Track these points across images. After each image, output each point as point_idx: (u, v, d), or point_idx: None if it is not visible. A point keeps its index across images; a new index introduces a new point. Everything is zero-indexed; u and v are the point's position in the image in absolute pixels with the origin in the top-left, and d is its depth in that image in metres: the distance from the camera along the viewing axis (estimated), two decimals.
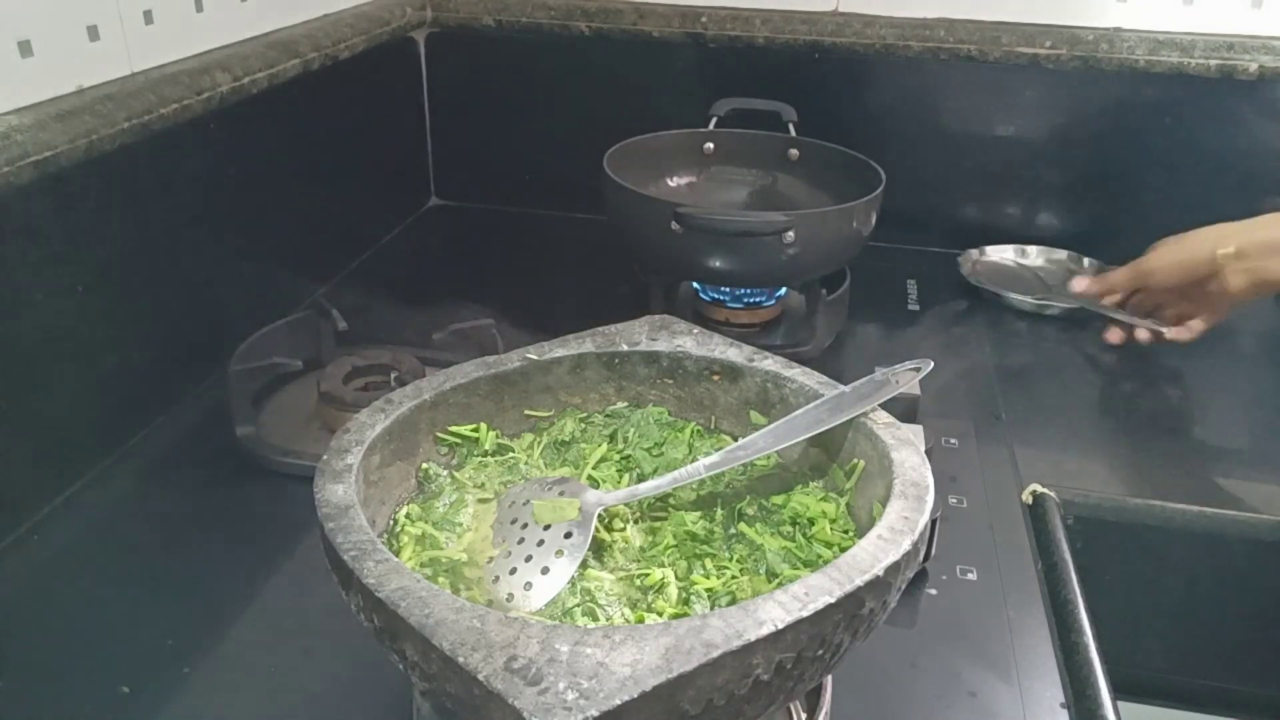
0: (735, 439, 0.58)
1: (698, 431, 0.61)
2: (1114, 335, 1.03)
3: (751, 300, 1.04)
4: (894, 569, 0.42)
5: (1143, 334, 1.01)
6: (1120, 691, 0.64)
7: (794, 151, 1.13)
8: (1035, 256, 1.23)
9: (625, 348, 0.61)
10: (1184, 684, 0.88)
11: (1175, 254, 0.94)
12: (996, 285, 1.14)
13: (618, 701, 0.34)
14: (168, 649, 0.63)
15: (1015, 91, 1.20)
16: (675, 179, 1.16)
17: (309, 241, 1.10)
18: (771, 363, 0.59)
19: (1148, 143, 1.18)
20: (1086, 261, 1.20)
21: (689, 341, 0.61)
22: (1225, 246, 0.88)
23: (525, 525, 0.50)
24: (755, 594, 0.47)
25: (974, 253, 1.21)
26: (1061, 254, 1.22)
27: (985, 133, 1.22)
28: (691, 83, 1.24)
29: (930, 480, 0.48)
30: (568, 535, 0.49)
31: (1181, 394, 0.99)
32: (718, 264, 0.95)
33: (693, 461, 0.54)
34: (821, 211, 0.98)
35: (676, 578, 0.49)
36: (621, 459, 0.58)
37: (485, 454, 0.58)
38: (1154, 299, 1.01)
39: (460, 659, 0.36)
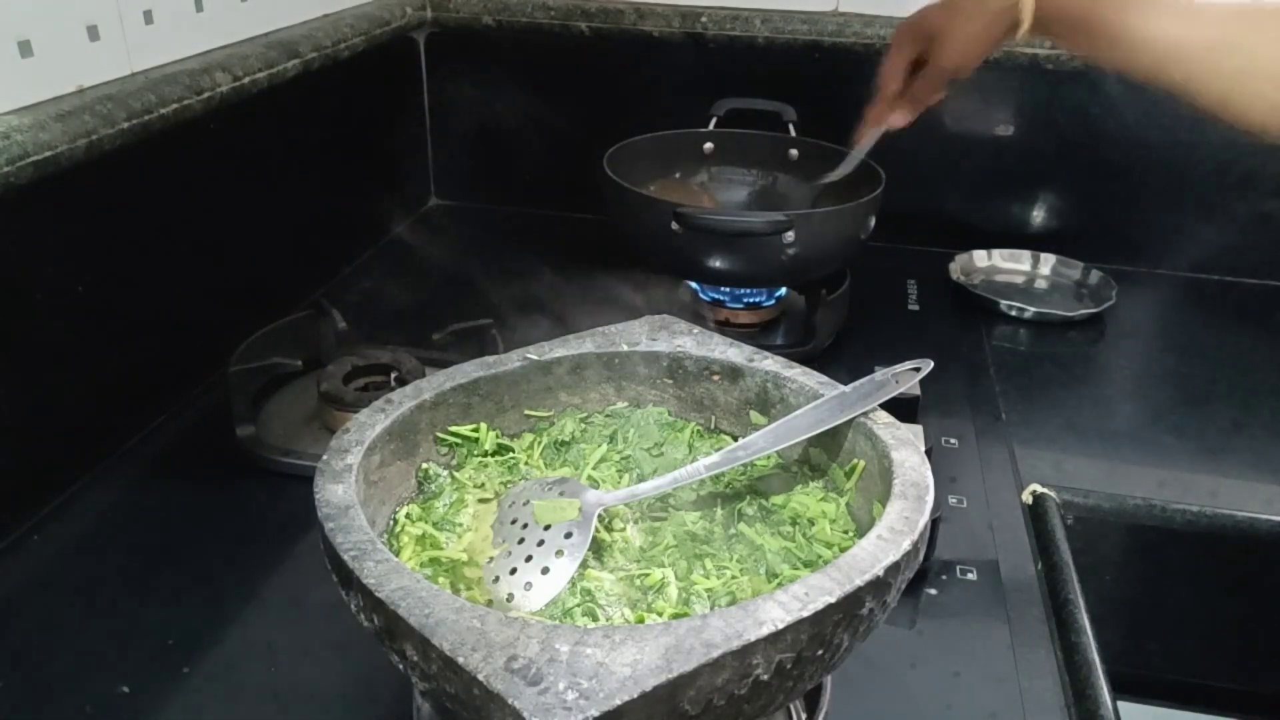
0: (735, 439, 0.58)
1: (698, 431, 0.61)
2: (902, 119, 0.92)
3: (751, 300, 1.04)
4: (894, 569, 0.42)
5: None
6: (1120, 691, 0.64)
7: (794, 151, 1.13)
8: (1021, 260, 1.23)
9: (625, 348, 0.61)
10: (1184, 684, 0.88)
11: (978, 39, 0.83)
12: (985, 290, 1.14)
13: (618, 701, 0.34)
14: (168, 649, 0.63)
15: (1016, 91, 1.20)
16: (675, 179, 1.16)
17: (309, 241, 1.10)
18: (771, 363, 0.58)
19: (1148, 143, 1.18)
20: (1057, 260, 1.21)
21: (689, 341, 0.61)
22: (1025, 17, 0.78)
23: (525, 525, 0.50)
24: (755, 594, 0.47)
25: (961, 258, 1.21)
26: (1025, 254, 1.22)
27: (986, 133, 1.22)
28: (691, 83, 1.24)
29: (930, 480, 0.48)
30: (568, 535, 0.49)
31: (1181, 394, 0.99)
32: (718, 264, 0.96)
33: (693, 461, 0.54)
34: (821, 211, 0.98)
35: (676, 578, 0.49)
36: (621, 459, 0.58)
37: (485, 454, 0.58)
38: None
39: (460, 659, 0.36)
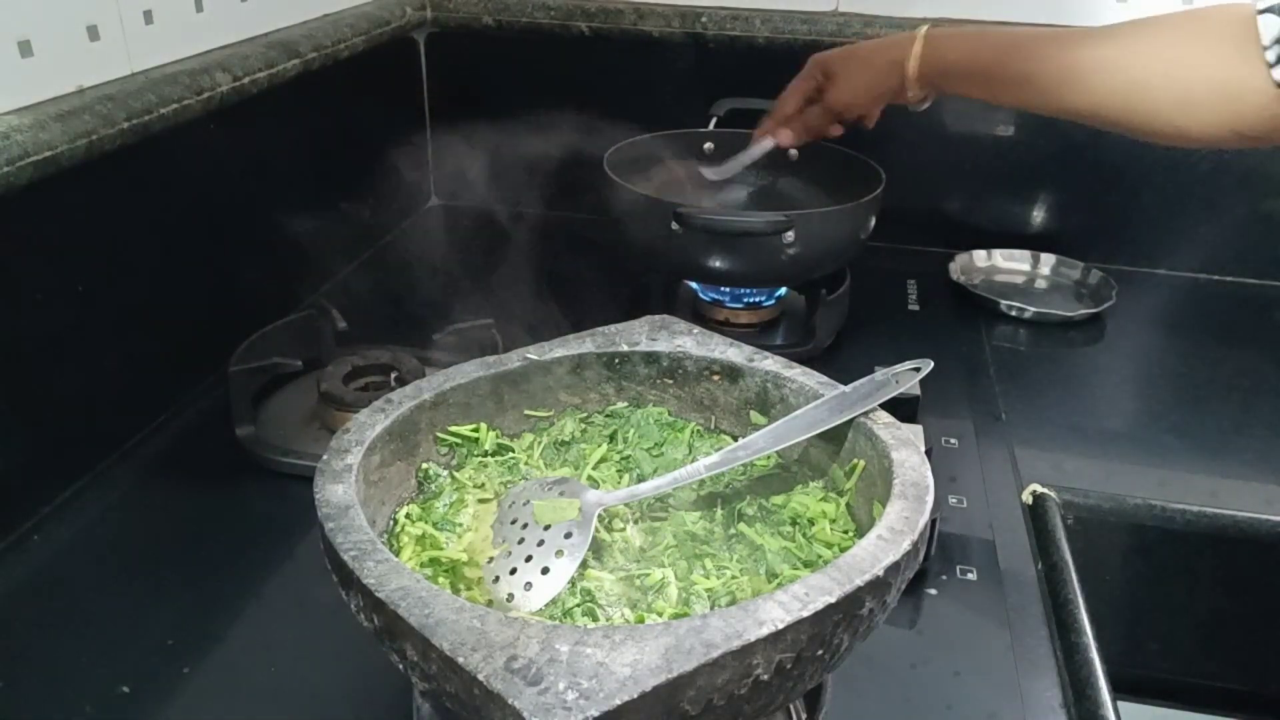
0: (735, 439, 0.58)
1: (698, 431, 0.61)
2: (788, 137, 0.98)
3: (751, 300, 1.04)
4: (894, 569, 0.42)
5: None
6: (1120, 691, 0.64)
7: (794, 151, 1.12)
8: (1021, 260, 1.23)
9: (625, 348, 0.61)
10: (1184, 684, 0.88)
11: (864, 88, 0.89)
12: (985, 290, 1.14)
13: (618, 701, 0.34)
14: (168, 649, 0.63)
15: None
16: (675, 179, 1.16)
17: (309, 241, 1.10)
18: (771, 363, 0.59)
19: (1147, 143, 1.17)
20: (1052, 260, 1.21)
21: (689, 341, 0.61)
22: (911, 73, 0.84)
23: (525, 525, 0.50)
24: (755, 594, 0.47)
25: (961, 258, 1.21)
26: (1025, 254, 1.22)
27: (985, 133, 1.22)
28: (691, 83, 1.24)
29: (930, 480, 0.48)
30: (568, 535, 0.49)
31: (1181, 394, 0.99)
32: (718, 264, 0.96)
33: (693, 461, 0.54)
34: (821, 211, 0.98)
35: (676, 578, 0.49)
36: (621, 459, 0.58)
37: (485, 454, 0.58)
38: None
39: (460, 659, 0.36)
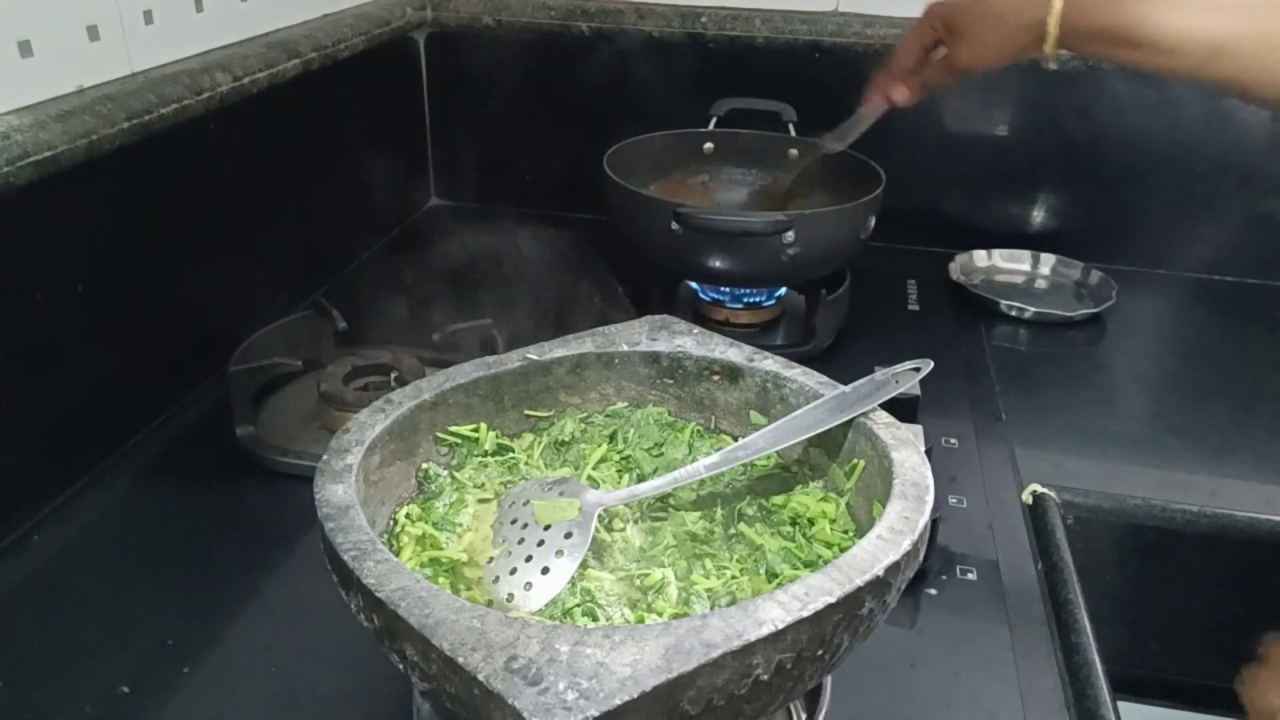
0: (735, 439, 0.58)
1: (698, 431, 0.61)
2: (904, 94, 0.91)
3: (751, 300, 1.04)
4: (894, 569, 0.42)
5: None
6: (1120, 691, 0.64)
7: (794, 151, 1.13)
8: (1021, 260, 1.23)
9: (625, 348, 0.61)
10: (1184, 684, 0.88)
11: (995, 47, 0.82)
12: (985, 290, 1.14)
13: (618, 701, 0.34)
14: (168, 649, 0.63)
15: (1015, 91, 1.20)
16: (675, 179, 1.16)
17: (309, 241, 1.10)
18: (771, 363, 0.58)
19: (1148, 143, 1.18)
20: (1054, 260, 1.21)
21: (689, 341, 0.61)
22: (1052, 34, 0.77)
23: (525, 525, 0.50)
24: (755, 594, 0.47)
25: (961, 258, 1.20)
26: (1025, 254, 1.22)
27: (985, 133, 1.22)
28: (691, 83, 1.24)
29: (930, 480, 0.48)
30: (568, 535, 0.49)
31: (1181, 394, 0.99)
32: (718, 264, 0.96)
33: (693, 461, 0.54)
34: (821, 211, 0.98)
35: (676, 578, 0.49)
36: (621, 459, 0.58)
37: (485, 454, 0.58)
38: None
39: (460, 659, 0.36)
